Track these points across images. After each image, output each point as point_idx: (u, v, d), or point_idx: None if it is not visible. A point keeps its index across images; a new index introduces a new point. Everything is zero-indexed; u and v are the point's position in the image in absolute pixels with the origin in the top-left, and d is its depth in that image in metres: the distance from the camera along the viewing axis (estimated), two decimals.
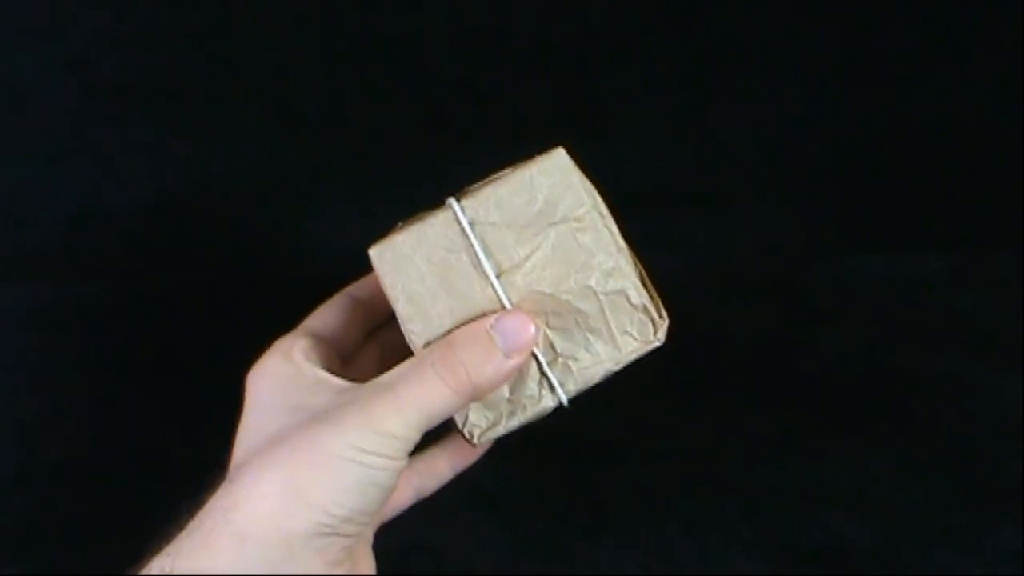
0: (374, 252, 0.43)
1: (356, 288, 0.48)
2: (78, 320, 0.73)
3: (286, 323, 0.46)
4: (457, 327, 0.42)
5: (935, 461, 0.64)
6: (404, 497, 0.48)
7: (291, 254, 0.77)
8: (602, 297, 0.43)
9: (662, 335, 0.44)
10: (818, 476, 0.63)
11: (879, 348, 0.72)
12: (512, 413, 0.44)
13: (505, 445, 0.45)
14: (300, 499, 0.39)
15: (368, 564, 0.45)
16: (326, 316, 0.47)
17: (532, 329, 0.42)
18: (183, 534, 0.40)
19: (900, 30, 0.78)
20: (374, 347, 0.49)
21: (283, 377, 0.43)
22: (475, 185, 0.43)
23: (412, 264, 0.42)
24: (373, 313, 0.48)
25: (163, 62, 0.75)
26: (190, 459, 0.64)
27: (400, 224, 0.44)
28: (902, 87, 0.79)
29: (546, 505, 0.62)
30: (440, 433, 0.45)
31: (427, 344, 0.43)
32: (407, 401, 0.40)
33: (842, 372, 0.71)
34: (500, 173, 0.44)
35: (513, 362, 0.42)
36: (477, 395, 0.42)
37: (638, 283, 0.43)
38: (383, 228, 0.44)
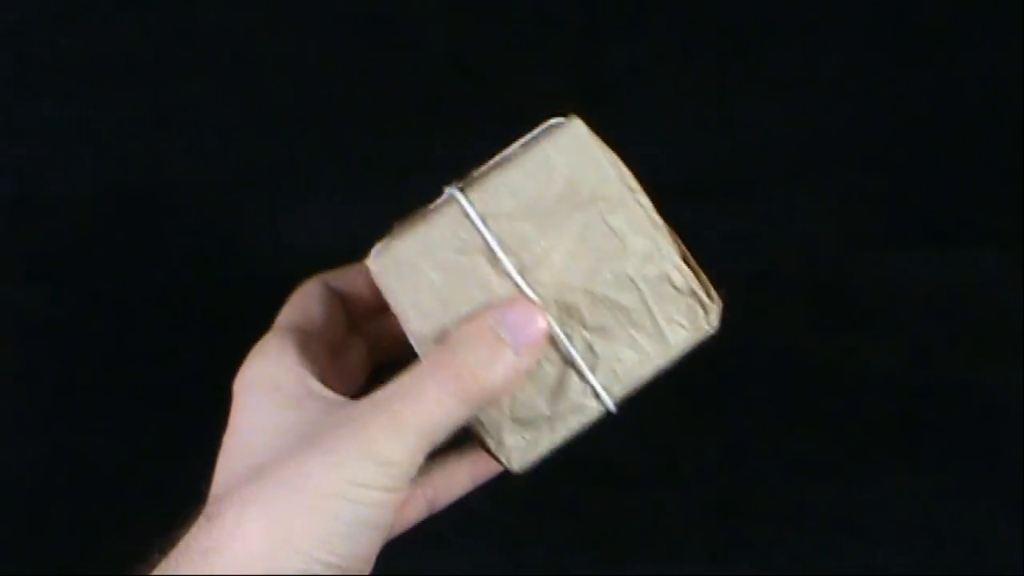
0: (373, 264, 0.42)
1: (332, 278, 0.48)
2: (14, 328, 0.73)
3: (255, 330, 0.46)
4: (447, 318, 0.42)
5: (991, 486, 0.65)
6: (413, 512, 0.48)
7: (262, 252, 0.77)
8: (642, 285, 0.42)
9: (715, 320, 0.43)
10: (857, 502, 0.64)
11: (926, 356, 0.73)
12: (554, 429, 0.43)
13: None
14: (287, 544, 0.39)
15: None
16: (308, 309, 0.47)
17: (540, 319, 0.41)
18: None
19: None
20: (360, 341, 0.49)
21: (271, 388, 0.43)
22: (480, 171, 0.43)
23: (419, 273, 0.41)
24: (356, 305, 0.48)
25: (114, 31, 0.74)
26: (143, 481, 0.66)
27: (397, 225, 0.43)
28: (952, 61, 0.79)
29: (548, 532, 0.62)
30: (459, 438, 0.45)
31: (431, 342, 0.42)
32: (406, 420, 0.40)
33: (884, 384, 0.71)
34: (505, 153, 0.43)
35: (525, 359, 0.41)
36: (487, 401, 0.41)
37: (680, 263, 0.43)
38: (365, 223, 0.44)
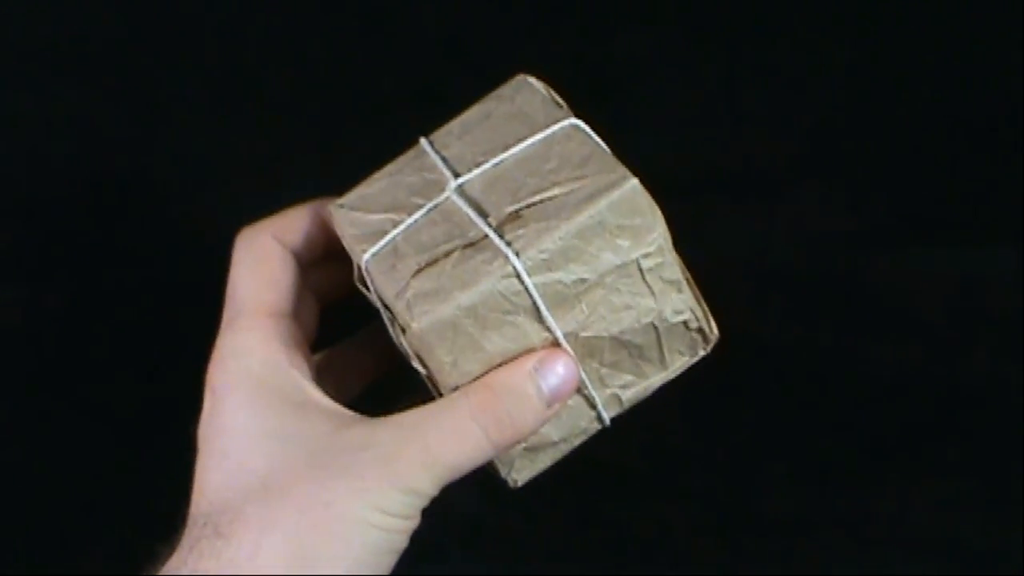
0: (423, 327, 0.42)
1: (282, 230, 0.48)
2: None
3: None
4: (490, 369, 0.43)
5: (1016, 493, 0.64)
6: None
7: None
8: (662, 330, 0.46)
9: (711, 346, 0.47)
10: (873, 510, 0.64)
11: (945, 356, 0.72)
12: (557, 448, 0.47)
13: None
14: (312, 572, 0.39)
15: None
16: (276, 282, 0.47)
17: (575, 371, 0.44)
18: None
19: None
20: (308, 296, 0.49)
21: (261, 391, 0.43)
22: (528, 226, 0.43)
23: (462, 332, 0.43)
24: (303, 256, 0.48)
25: (92, 18, 0.74)
26: (119, 495, 0.66)
27: (418, 264, 0.43)
28: (972, 51, 0.79)
29: (549, 543, 0.62)
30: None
31: (456, 387, 0.43)
32: (439, 455, 0.41)
33: (901, 386, 0.71)
34: (547, 196, 0.44)
35: (552, 411, 0.44)
36: (514, 444, 0.43)
37: (696, 306, 0.46)
38: None
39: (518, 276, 0.42)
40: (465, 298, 0.42)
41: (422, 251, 0.44)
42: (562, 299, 0.43)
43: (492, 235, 0.43)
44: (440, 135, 0.48)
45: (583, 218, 0.42)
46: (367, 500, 0.40)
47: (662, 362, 0.46)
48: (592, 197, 0.43)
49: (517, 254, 0.42)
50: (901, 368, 0.72)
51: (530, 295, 0.42)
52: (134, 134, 0.76)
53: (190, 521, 0.42)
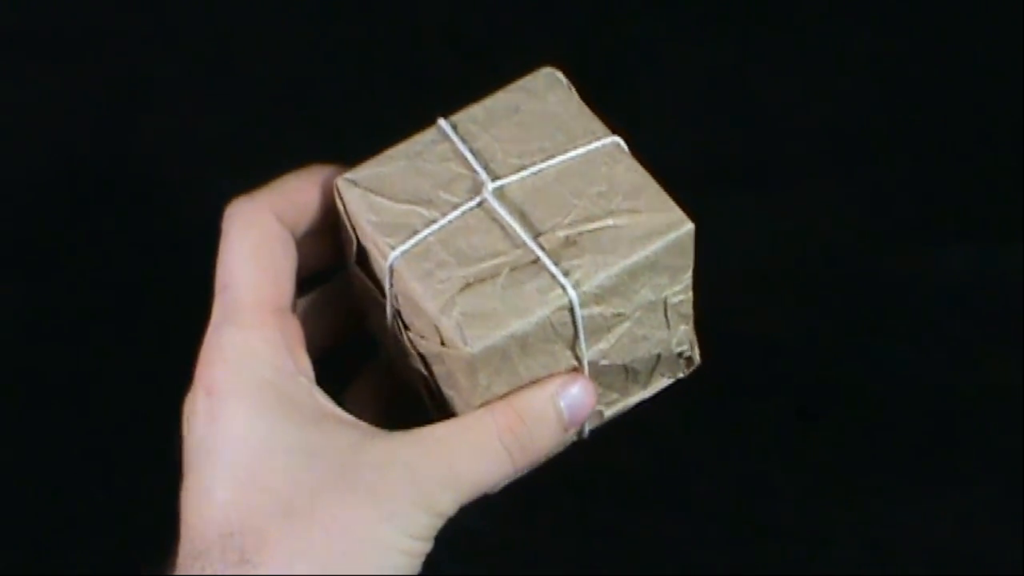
0: (476, 353, 0.42)
1: (282, 207, 0.45)
2: None
3: None
4: (513, 389, 0.44)
5: None
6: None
7: None
8: (663, 359, 0.47)
9: (691, 371, 0.49)
10: (890, 520, 0.64)
11: (964, 360, 0.72)
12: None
13: None
14: None
15: None
16: (279, 271, 0.44)
17: (594, 398, 0.45)
18: None
19: None
20: None
21: (272, 399, 0.42)
22: (584, 257, 0.43)
23: (507, 358, 0.43)
24: (299, 236, 0.46)
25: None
26: (119, 495, 0.66)
27: (465, 279, 0.43)
28: (991, 47, 0.79)
29: (551, 555, 0.62)
30: None
31: (481, 405, 0.43)
32: (464, 474, 0.42)
33: (918, 390, 0.70)
34: (602, 226, 0.44)
35: (568, 435, 0.44)
36: (528, 469, 0.44)
37: (693, 335, 0.47)
38: None
39: (571, 309, 0.43)
40: (519, 327, 0.42)
41: (464, 262, 0.43)
42: (596, 330, 0.44)
43: (547, 261, 0.43)
44: (462, 120, 0.47)
45: (639, 257, 0.43)
46: (395, 524, 0.40)
47: (647, 384, 0.48)
48: (650, 236, 0.43)
49: (575, 286, 0.43)
50: (916, 371, 0.71)
51: (575, 327, 0.43)
52: (117, 121, 0.76)
53: (193, 536, 0.41)
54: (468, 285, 0.43)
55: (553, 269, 0.43)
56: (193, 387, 0.43)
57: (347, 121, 0.75)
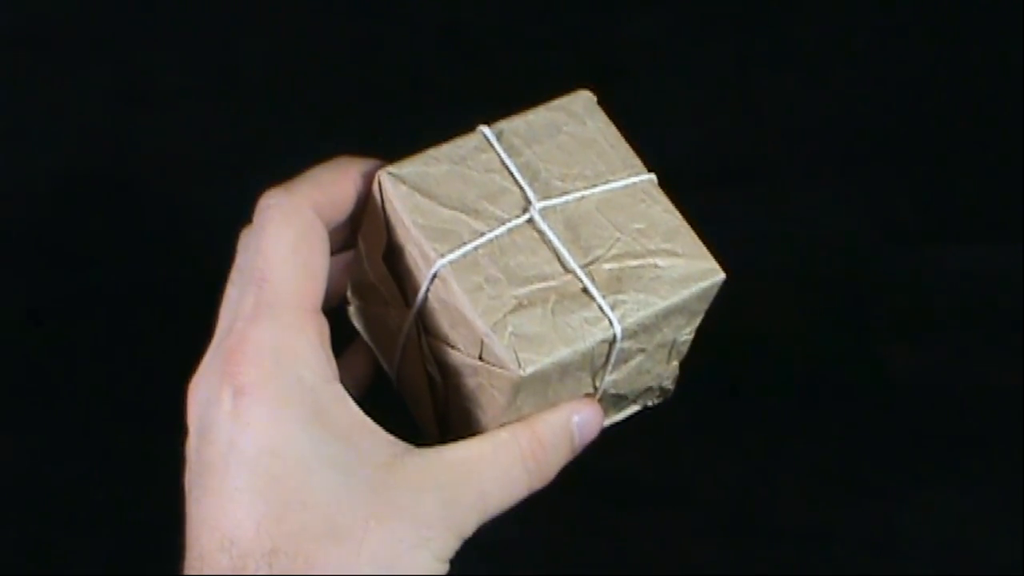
0: (526, 377, 0.42)
1: (322, 203, 0.44)
2: None
3: None
4: (534, 411, 0.45)
5: None
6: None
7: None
8: (649, 389, 0.49)
9: (660, 401, 0.51)
10: (890, 521, 0.64)
11: (967, 359, 0.72)
12: None
13: None
14: None
15: None
16: (316, 274, 0.43)
17: (601, 422, 0.46)
18: None
19: None
20: None
21: (313, 405, 0.40)
22: (629, 293, 0.44)
23: (547, 383, 0.44)
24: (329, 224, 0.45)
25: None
26: (119, 495, 0.66)
27: (516, 299, 0.43)
28: (992, 41, 0.79)
29: (552, 557, 0.62)
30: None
31: (502, 424, 0.44)
32: (493, 502, 0.43)
33: (920, 390, 0.70)
34: (644, 264, 0.45)
35: (577, 453, 0.46)
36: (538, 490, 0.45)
37: (677, 373, 0.50)
38: None
39: (612, 342, 0.44)
40: (567, 354, 0.43)
41: (513, 281, 0.43)
42: (618, 361, 0.45)
43: (595, 293, 0.44)
44: (505, 131, 0.47)
45: (677, 300, 0.44)
46: (431, 549, 0.40)
47: (623, 409, 0.49)
48: (685, 281, 0.45)
49: (620, 320, 0.44)
50: (920, 370, 0.72)
51: (609, 359, 0.44)
52: (117, 121, 0.76)
53: (219, 539, 0.39)
54: (520, 306, 0.43)
55: (601, 301, 0.43)
56: (212, 377, 0.41)
57: (347, 121, 0.75)
